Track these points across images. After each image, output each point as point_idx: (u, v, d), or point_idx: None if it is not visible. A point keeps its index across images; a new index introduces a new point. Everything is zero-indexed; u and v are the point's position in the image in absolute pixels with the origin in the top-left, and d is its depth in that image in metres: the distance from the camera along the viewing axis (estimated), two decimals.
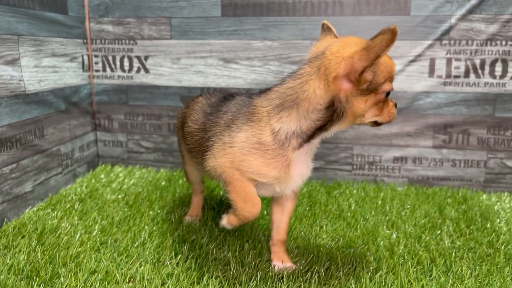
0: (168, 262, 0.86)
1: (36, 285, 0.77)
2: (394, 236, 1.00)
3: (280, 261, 0.89)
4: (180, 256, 0.89)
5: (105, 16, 1.50)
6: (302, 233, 1.02)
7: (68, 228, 1.02)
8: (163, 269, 0.84)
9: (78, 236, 0.98)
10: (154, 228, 1.03)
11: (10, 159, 1.11)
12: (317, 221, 1.09)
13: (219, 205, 1.19)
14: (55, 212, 1.11)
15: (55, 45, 1.32)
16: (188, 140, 0.92)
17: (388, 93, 0.73)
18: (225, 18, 1.42)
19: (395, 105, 0.78)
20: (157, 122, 1.54)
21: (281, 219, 0.89)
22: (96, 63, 1.55)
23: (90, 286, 0.78)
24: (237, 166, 0.75)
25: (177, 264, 0.86)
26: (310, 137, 0.74)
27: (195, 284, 0.79)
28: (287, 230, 0.90)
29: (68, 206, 1.16)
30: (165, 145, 1.55)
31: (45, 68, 1.27)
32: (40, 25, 1.24)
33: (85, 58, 1.51)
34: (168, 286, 0.78)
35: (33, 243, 0.93)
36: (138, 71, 1.52)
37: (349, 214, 1.13)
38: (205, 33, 1.45)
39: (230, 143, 0.76)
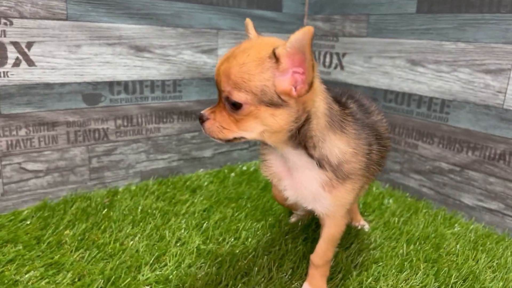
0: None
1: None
2: None
3: (311, 285, 0.81)
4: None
5: (318, 13, 1.59)
6: None
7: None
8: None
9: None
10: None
11: (192, 128, 1.40)
12: None
13: None
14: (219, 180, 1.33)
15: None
16: None
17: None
18: (420, 15, 1.26)
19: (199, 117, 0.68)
20: None
21: (319, 242, 0.81)
22: None
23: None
24: None
25: None
26: None
27: None
28: (322, 256, 0.80)
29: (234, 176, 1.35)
30: None
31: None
32: (243, 21, 1.45)
33: None
34: None
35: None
36: (335, 67, 1.54)
37: None
38: (398, 31, 1.32)
39: None
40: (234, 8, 1.41)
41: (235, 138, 0.66)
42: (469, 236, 1.04)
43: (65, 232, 0.96)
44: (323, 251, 0.80)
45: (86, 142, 1.19)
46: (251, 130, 0.65)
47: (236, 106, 0.63)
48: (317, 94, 0.66)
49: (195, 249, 0.91)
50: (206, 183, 1.30)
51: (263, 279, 0.82)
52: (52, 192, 1.16)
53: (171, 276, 0.81)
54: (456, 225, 1.10)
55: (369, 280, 0.83)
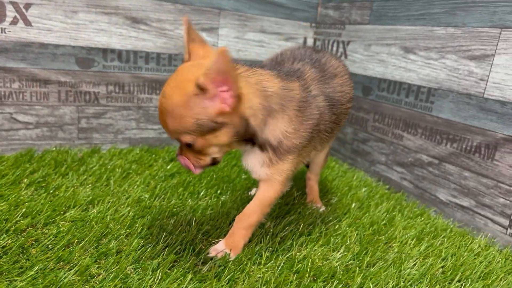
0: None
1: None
2: None
3: (226, 243, 0.81)
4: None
5: (331, 1, 1.57)
6: None
7: None
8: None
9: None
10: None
11: None
12: None
13: None
14: None
15: (266, 23, 1.53)
16: None
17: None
18: (416, 1, 1.20)
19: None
20: None
21: (249, 203, 0.83)
22: (317, 46, 1.64)
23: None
24: None
25: None
26: None
27: None
28: (247, 217, 0.81)
29: None
30: (341, 135, 1.49)
31: (247, 40, 1.51)
32: (250, 3, 1.48)
33: (309, 40, 1.64)
34: None
35: None
36: (340, 56, 1.51)
37: None
38: (396, 18, 1.27)
39: None
40: None
41: (213, 159, 0.73)
42: (421, 227, 0.97)
43: (26, 175, 1.04)
44: (250, 211, 0.81)
45: (76, 102, 1.28)
46: (213, 153, 0.72)
47: (190, 145, 0.69)
48: (247, 98, 0.69)
49: (135, 200, 0.95)
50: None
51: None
52: (40, 144, 1.26)
53: (91, 216, 0.86)
54: (417, 218, 1.03)
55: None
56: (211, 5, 1.40)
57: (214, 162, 0.74)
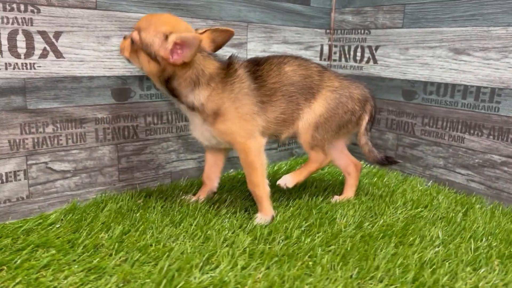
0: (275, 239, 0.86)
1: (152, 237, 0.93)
2: None
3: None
4: (288, 240, 0.86)
5: (347, 6, 1.52)
6: None
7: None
8: (266, 244, 0.84)
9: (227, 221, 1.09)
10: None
11: None
12: None
13: None
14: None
15: (288, 34, 1.45)
16: None
17: None
18: (463, 2, 1.19)
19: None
20: (377, 116, 1.46)
21: None
22: (335, 53, 1.59)
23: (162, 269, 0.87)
24: None
25: None
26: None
27: None
28: (249, 182, 1.00)
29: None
30: (380, 141, 1.46)
31: (273, 53, 1.42)
32: (274, 14, 1.39)
33: (325, 47, 1.58)
34: None
35: None
36: (368, 61, 1.48)
37: None
38: (438, 20, 1.26)
39: None
40: (264, 0, 1.35)
41: (128, 60, 0.95)
42: None
43: (101, 235, 0.88)
44: (246, 176, 0.99)
45: (115, 140, 1.11)
46: (135, 62, 0.93)
47: (132, 41, 0.91)
48: (190, 67, 0.91)
49: (246, 250, 0.83)
50: (239, 184, 1.22)
51: (327, 279, 0.74)
52: (79, 194, 1.08)
53: (226, 278, 0.73)
54: None
55: (444, 279, 0.75)
56: (239, 18, 1.30)
57: (129, 60, 0.95)
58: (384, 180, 1.30)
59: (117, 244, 0.84)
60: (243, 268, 0.77)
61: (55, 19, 0.97)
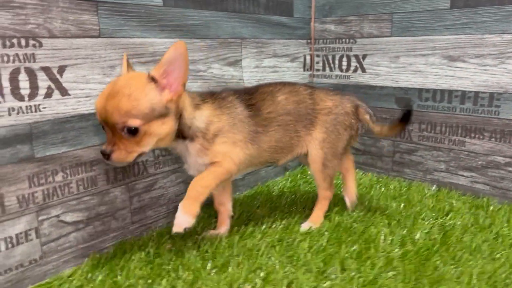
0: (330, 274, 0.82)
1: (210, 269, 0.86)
2: None
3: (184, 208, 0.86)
4: (345, 273, 0.83)
5: (328, 16, 1.52)
6: None
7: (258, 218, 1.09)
8: (322, 282, 0.80)
9: (263, 227, 1.04)
10: (333, 236, 0.99)
11: None
12: None
13: None
14: (255, 201, 1.21)
15: (277, 46, 1.41)
16: None
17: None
18: (454, 10, 1.23)
19: (101, 153, 0.80)
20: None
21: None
22: (317, 62, 1.58)
23: (250, 281, 0.81)
24: None
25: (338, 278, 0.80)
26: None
27: None
28: (199, 180, 0.89)
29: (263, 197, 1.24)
30: (374, 149, 1.48)
31: (265, 68, 1.38)
32: (264, 28, 1.34)
33: (307, 58, 1.57)
34: None
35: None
36: (355, 70, 1.48)
37: None
38: (429, 28, 1.29)
39: None
40: (254, 14, 1.30)
41: (138, 156, 0.80)
42: None
43: None
44: (201, 176, 0.88)
45: (126, 179, 1.01)
46: (148, 145, 0.80)
47: (133, 132, 0.76)
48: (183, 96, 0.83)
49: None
50: (257, 204, 1.17)
51: None
52: (94, 245, 0.96)
53: None
54: None
55: None
56: (234, 35, 1.24)
57: (136, 159, 0.80)
58: (390, 188, 1.31)
59: None
60: None
61: (58, 52, 0.85)
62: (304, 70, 1.56)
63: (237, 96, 0.96)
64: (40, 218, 0.85)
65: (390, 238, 0.97)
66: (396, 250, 0.92)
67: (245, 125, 0.93)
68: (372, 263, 0.86)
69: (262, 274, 0.83)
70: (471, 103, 1.24)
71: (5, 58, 0.77)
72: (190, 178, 0.90)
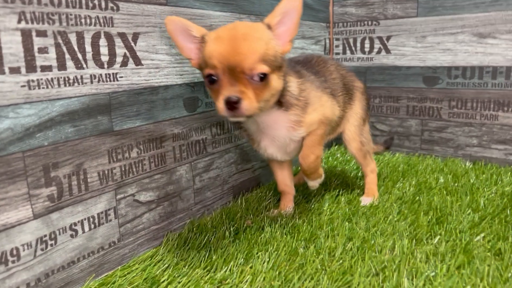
0: (425, 241, 0.81)
1: (299, 241, 0.82)
2: None
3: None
4: (438, 237, 0.82)
5: None
6: None
7: (319, 197, 1.07)
8: (422, 247, 0.79)
9: (327, 205, 1.01)
10: (403, 207, 0.98)
11: None
12: None
13: None
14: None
15: (305, 28, 1.40)
16: None
17: (209, 78, 0.70)
18: None
19: (227, 102, 0.67)
20: (395, 105, 1.49)
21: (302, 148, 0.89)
22: (337, 46, 1.58)
23: (349, 250, 0.78)
24: None
25: (435, 245, 0.80)
26: None
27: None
28: (305, 157, 0.87)
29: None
30: (401, 129, 1.49)
31: (295, 49, 1.36)
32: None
33: (327, 41, 1.56)
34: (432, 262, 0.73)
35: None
36: (378, 52, 1.50)
37: None
38: (457, 7, 1.32)
39: None
40: None
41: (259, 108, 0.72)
42: None
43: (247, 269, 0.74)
44: (305, 153, 0.85)
45: (189, 158, 0.95)
46: (266, 99, 0.71)
47: (263, 79, 0.68)
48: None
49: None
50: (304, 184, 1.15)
51: None
52: (163, 226, 0.90)
53: None
54: None
55: None
56: None
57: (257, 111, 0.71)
58: (429, 164, 1.33)
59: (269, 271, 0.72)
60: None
61: (132, 18, 0.79)
62: (324, 53, 1.56)
63: (300, 66, 0.94)
64: (118, 197, 0.79)
65: (458, 204, 0.98)
66: (470, 213, 0.93)
67: (324, 88, 0.92)
68: (455, 227, 0.86)
69: (357, 243, 0.81)
70: (503, 77, 1.28)
71: (88, 21, 0.71)
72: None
